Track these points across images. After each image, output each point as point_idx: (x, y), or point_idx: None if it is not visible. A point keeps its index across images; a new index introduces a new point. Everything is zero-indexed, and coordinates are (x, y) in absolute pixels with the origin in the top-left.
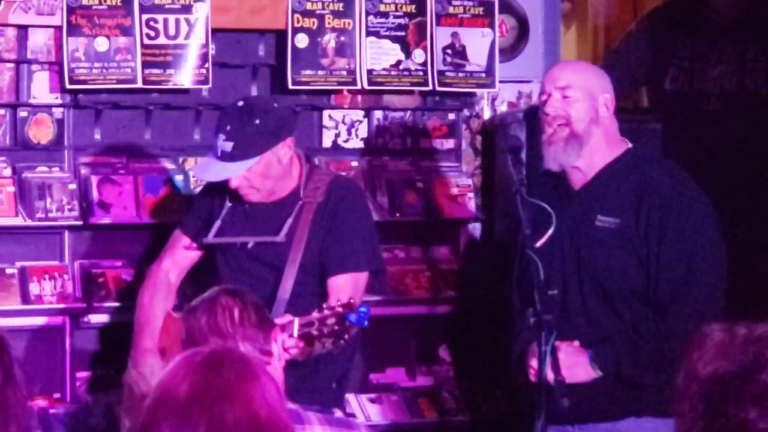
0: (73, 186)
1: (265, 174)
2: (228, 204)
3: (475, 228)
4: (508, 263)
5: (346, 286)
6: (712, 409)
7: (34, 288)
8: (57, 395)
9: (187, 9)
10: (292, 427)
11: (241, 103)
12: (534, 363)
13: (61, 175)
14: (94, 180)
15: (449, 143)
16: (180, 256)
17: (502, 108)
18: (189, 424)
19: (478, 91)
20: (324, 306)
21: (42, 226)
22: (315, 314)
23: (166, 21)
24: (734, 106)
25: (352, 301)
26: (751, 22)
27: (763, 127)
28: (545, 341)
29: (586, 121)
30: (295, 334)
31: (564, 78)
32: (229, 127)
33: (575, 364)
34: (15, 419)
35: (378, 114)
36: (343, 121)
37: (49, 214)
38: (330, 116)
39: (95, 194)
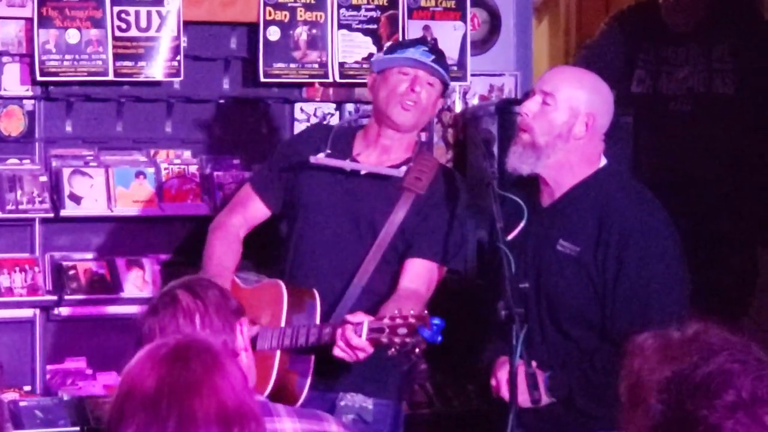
0: (44, 178)
1: (431, 104)
2: (327, 151)
3: None
4: (486, 262)
5: (422, 272)
6: (669, 411)
7: (4, 280)
8: (27, 388)
9: (158, 1)
10: (261, 416)
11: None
12: (494, 383)
13: (32, 167)
14: (65, 172)
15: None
16: (251, 214)
17: (474, 101)
18: (158, 419)
19: (450, 84)
20: (397, 313)
21: (13, 218)
22: (387, 320)
23: (137, 13)
24: (703, 107)
25: (426, 314)
26: (717, 23)
27: (731, 126)
28: (516, 335)
29: (551, 135)
30: (364, 338)
31: (551, 84)
32: (431, 45)
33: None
34: None
35: (350, 107)
36: (314, 114)
37: (20, 207)
38: (302, 109)
39: (66, 187)
